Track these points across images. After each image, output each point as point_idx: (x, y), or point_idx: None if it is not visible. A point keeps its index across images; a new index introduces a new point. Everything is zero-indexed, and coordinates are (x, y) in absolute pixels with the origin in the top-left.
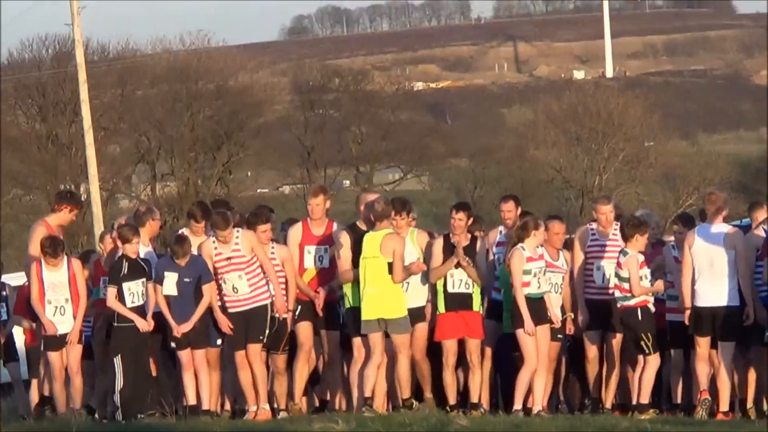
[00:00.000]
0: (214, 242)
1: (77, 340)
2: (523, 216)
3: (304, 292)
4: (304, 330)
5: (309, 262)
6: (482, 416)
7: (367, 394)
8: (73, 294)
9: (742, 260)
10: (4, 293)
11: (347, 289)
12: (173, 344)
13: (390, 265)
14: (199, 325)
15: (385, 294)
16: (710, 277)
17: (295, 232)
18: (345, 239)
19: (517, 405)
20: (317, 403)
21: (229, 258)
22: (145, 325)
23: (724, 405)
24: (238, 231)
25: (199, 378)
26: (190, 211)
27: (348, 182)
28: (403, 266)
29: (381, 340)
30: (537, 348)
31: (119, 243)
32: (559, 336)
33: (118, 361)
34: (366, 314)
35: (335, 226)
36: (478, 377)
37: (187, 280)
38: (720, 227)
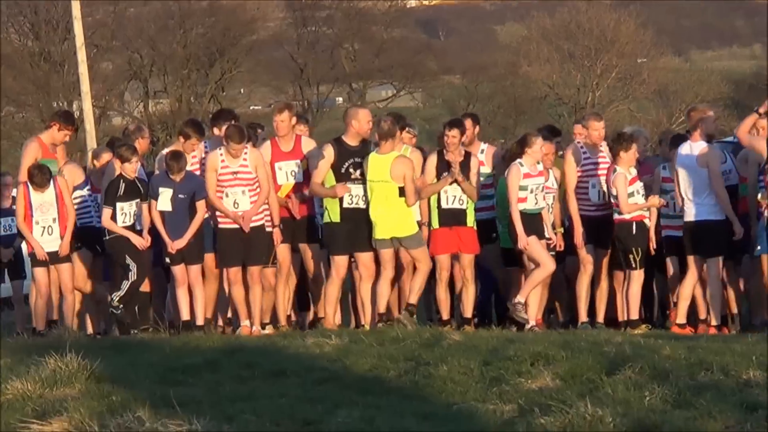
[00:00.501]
0: (221, 155)
1: (67, 256)
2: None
3: (281, 204)
4: (281, 251)
5: (282, 178)
6: (475, 331)
7: (382, 309)
8: (61, 213)
9: (715, 178)
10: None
11: (328, 203)
12: (168, 260)
13: (401, 189)
14: (194, 241)
15: (395, 214)
16: (691, 195)
17: (265, 150)
18: (328, 152)
19: (532, 319)
20: (310, 318)
21: (235, 173)
22: (142, 241)
23: (715, 320)
24: (247, 146)
25: (194, 293)
26: (182, 131)
27: (341, 99)
28: (414, 189)
29: (392, 256)
30: (547, 252)
31: (117, 162)
32: (552, 253)
33: (129, 262)
34: (379, 233)
35: (303, 140)
36: (471, 292)
37: (182, 196)
38: (695, 146)
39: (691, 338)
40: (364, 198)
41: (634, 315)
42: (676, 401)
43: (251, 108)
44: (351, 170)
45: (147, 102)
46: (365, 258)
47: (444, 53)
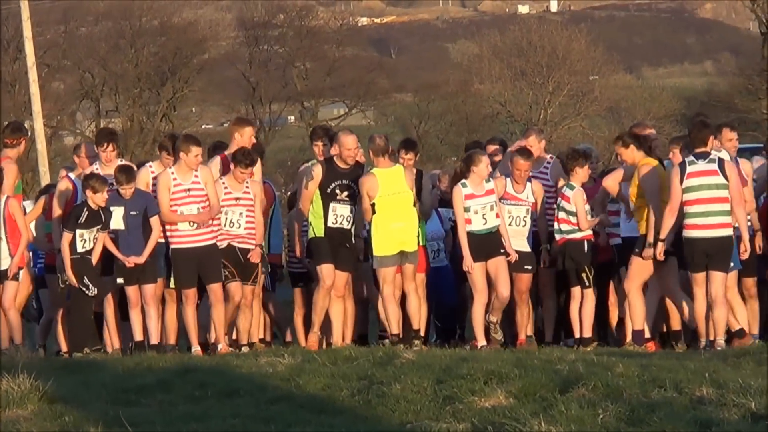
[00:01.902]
0: (172, 173)
1: (12, 276)
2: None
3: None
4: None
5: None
6: (429, 349)
7: (395, 330)
8: (9, 232)
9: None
10: None
11: (312, 220)
12: (120, 279)
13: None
14: (149, 260)
15: (410, 227)
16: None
17: (214, 166)
18: (317, 171)
19: (481, 340)
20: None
21: (188, 190)
22: (73, 280)
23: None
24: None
25: (148, 313)
26: (162, 144)
27: (293, 118)
28: None
29: (394, 273)
30: (485, 281)
31: (88, 193)
32: (527, 267)
33: (87, 282)
34: (387, 249)
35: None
36: (414, 304)
37: (133, 213)
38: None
39: (644, 356)
40: (348, 219)
41: (587, 333)
42: (630, 419)
43: (203, 127)
44: (337, 191)
45: (99, 121)
46: (345, 278)
47: (396, 71)
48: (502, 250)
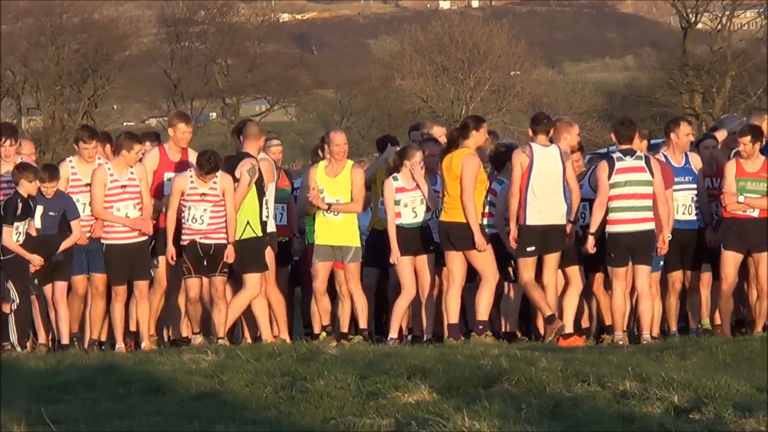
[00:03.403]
0: (109, 169)
1: None
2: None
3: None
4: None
5: (168, 189)
6: (352, 345)
7: (325, 322)
8: None
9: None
10: None
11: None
12: (36, 281)
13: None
14: (62, 259)
15: (347, 221)
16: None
17: (152, 158)
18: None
19: (393, 333)
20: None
21: (124, 186)
22: (39, 260)
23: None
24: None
25: (57, 311)
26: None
27: (214, 114)
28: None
29: (326, 268)
30: (413, 276)
31: (23, 182)
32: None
33: (11, 286)
34: (322, 239)
35: (190, 152)
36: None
37: (52, 213)
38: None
39: (567, 350)
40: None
41: (513, 327)
42: (553, 413)
43: (125, 124)
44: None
45: (20, 119)
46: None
47: (317, 67)
48: (432, 247)
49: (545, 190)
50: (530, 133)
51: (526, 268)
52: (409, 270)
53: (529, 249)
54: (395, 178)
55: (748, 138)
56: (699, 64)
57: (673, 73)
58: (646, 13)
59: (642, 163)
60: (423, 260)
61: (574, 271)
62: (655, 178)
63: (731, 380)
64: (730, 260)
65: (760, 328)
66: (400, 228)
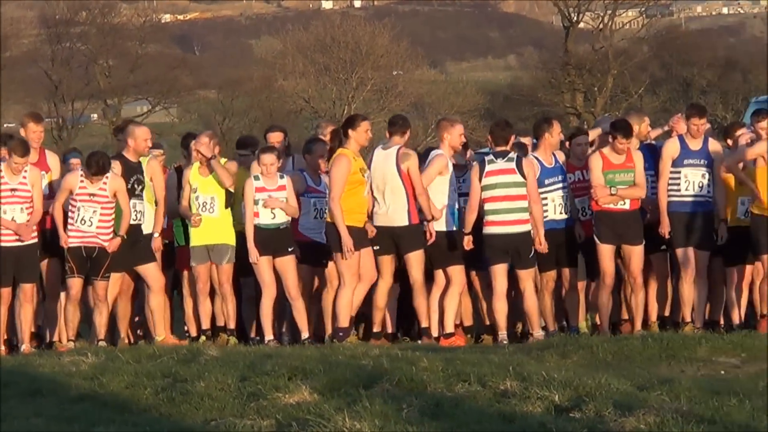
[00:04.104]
0: (0, 171)
1: None
2: None
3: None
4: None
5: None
6: (235, 346)
7: (205, 326)
8: None
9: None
10: None
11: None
12: None
13: None
14: None
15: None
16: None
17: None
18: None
19: (268, 335)
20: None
21: (14, 189)
22: None
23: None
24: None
25: None
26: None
27: (96, 115)
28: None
29: (206, 269)
30: (273, 276)
31: None
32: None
33: None
34: (196, 240)
35: (49, 154)
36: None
37: None
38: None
39: (448, 350)
40: (143, 213)
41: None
42: (434, 413)
43: (5, 126)
44: (135, 186)
45: None
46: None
47: (199, 68)
48: (290, 249)
49: (380, 191)
50: (387, 134)
51: (382, 267)
52: (268, 269)
53: (375, 248)
54: (257, 178)
55: (621, 134)
56: (581, 63)
57: (555, 73)
58: (528, 12)
59: (512, 165)
60: (284, 261)
61: (456, 271)
62: (528, 178)
63: (611, 379)
64: (607, 253)
65: (638, 324)
66: (257, 228)
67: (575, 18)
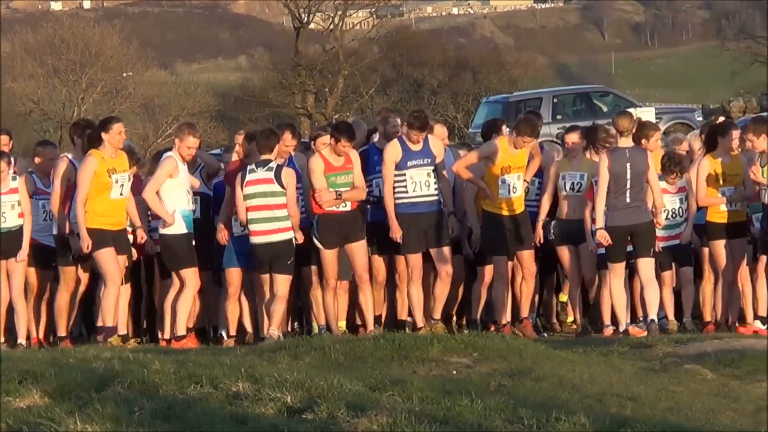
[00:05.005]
0: None
1: None
2: None
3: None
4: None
5: None
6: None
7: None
8: None
9: None
10: None
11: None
12: None
13: None
14: None
15: None
16: None
17: None
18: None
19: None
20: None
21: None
22: None
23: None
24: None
25: None
26: None
27: None
28: None
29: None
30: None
31: None
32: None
33: None
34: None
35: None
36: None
37: None
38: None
39: (181, 352)
40: None
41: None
42: (166, 415)
43: None
44: None
45: None
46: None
47: None
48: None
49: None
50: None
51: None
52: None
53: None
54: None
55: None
56: (311, 64)
57: (285, 73)
58: (258, 13)
59: (271, 175)
60: (12, 264)
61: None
62: (288, 188)
63: (344, 380)
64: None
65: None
66: None
67: (306, 19)
